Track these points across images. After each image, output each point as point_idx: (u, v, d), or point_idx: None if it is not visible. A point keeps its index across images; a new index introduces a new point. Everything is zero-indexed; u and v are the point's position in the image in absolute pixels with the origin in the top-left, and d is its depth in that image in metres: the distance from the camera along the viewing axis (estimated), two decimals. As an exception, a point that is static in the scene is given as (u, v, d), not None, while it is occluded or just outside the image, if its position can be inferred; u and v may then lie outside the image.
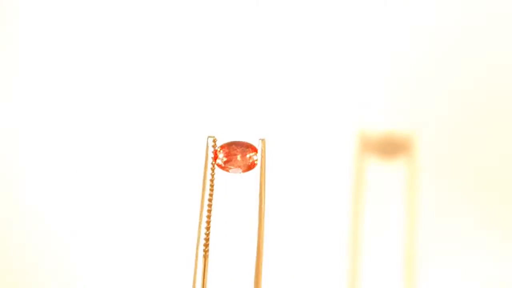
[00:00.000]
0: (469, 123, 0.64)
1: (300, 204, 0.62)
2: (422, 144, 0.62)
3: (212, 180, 0.39)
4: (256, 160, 0.40)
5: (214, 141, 0.40)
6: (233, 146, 0.40)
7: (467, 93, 0.64)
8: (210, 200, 0.39)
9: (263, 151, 0.40)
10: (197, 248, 0.39)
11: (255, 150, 0.40)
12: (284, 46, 0.65)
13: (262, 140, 0.40)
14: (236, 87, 0.64)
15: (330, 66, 0.65)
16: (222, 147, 0.40)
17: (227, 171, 0.40)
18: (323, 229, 0.61)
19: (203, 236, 0.39)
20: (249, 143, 0.40)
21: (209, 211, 0.39)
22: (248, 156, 0.40)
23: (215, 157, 0.40)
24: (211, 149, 0.40)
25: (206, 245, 0.39)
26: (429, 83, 0.64)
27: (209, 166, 0.40)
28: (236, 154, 0.40)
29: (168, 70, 0.67)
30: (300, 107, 0.64)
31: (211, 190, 0.39)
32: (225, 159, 0.40)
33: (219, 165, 0.40)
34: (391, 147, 0.63)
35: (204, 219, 0.39)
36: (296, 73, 0.65)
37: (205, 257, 0.39)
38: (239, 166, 0.40)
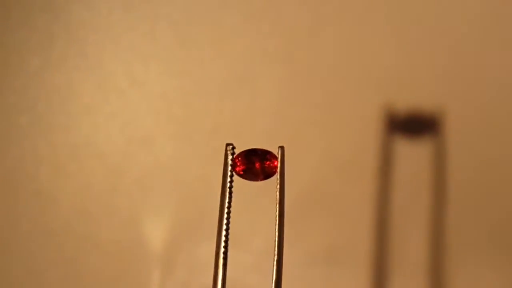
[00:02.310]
0: (497, 103, 0.63)
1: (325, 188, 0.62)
2: (450, 122, 0.62)
3: (230, 188, 0.39)
4: (276, 167, 0.40)
5: (233, 148, 0.40)
6: (252, 153, 0.40)
7: (497, 73, 0.64)
8: (228, 208, 0.39)
9: (282, 158, 0.40)
10: (217, 256, 0.39)
11: (274, 157, 0.40)
12: (302, 20, 0.64)
13: (281, 147, 0.40)
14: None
15: (354, 44, 0.64)
16: (240, 154, 0.40)
17: (246, 179, 0.40)
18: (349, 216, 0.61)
19: (222, 244, 0.39)
20: (268, 150, 0.40)
21: (228, 219, 0.39)
22: (267, 163, 0.40)
23: (234, 165, 0.40)
24: (230, 157, 0.40)
25: (225, 253, 0.39)
26: (459, 60, 0.63)
27: (228, 173, 0.39)
28: (255, 161, 0.40)
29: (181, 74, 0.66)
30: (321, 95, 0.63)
31: (230, 198, 0.39)
32: (244, 167, 0.40)
33: (238, 173, 0.40)
34: (418, 126, 0.63)
35: (223, 227, 0.39)
36: (317, 56, 0.64)
37: (224, 265, 0.39)
38: (258, 174, 0.40)
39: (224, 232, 0.38)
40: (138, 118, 0.66)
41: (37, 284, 0.64)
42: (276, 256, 0.39)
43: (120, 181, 0.65)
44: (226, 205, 0.39)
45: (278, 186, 0.40)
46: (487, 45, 0.64)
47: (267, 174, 0.40)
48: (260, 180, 0.40)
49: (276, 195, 0.40)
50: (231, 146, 0.40)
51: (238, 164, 0.40)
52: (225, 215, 0.39)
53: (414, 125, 0.63)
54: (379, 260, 0.63)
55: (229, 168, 0.40)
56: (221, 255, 0.38)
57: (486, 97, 0.63)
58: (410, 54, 0.64)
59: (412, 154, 0.63)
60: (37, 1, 0.66)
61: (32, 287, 0.64)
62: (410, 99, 0.63)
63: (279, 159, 0.40)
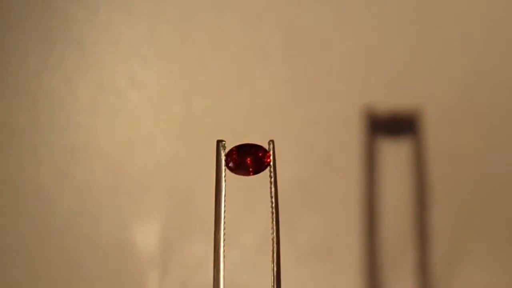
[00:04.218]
0: (475, 99, 0.63)
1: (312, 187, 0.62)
2: (428, 121, 0.63)
3: (224, 182, 0.40)
4: (267, 161, 0.40)
5: (224, 144, 0.40)
6: (243, 148, 0.40)
7: (474, 69, 0.64)
8: (223, 202, 0.40)
9: (274, 151, 0.40)
10: (216, 251, 0.39)
11: (265, 151, 0.40)
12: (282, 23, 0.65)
13: (271, 141, 0.40)
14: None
15: (333, 43, 0.65)
16: (232, 150, 0.40)
17: (239, 174, 0.40)
18: (337, 215, 0.61)
19: (222, 240, 0.39)
20: (258, 145, 0.40)
21: (224, 212, 0.40)
22: (259, 158, 0.40)
23: (226, 161, 0.40)
24: (222, 153, 0.40)
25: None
26: (436, 59, 0.64)
27: (222, 169, 0.40)
28: (246, 156, 0.40)
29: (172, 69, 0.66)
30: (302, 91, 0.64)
31: (224, 193, 0.40)
32: (236, 162, 0.40)
33: (230, 169, 0.40)
34: (397, 124, 0.63)
35: (221, 222, 0.39)
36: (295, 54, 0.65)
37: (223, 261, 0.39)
38: (251, 169, 0.40)
39: (222, 227, 0.39)
40: (138, 118, 0.66)
41: (37, 284, 0.64)
42: (275, 249, 0.39)
43: (120, 181, 0.65)
44: (223, 199, 0.39)
45: (272, 180, 0.40)
46: (465, 44, 0.64)
47: (259, 168, 0.40)
48: (252, 174, 0.40)
49: (271, 189, 0.40)
50: (223, 142, 0.40)
51: (230, 159, 0.40)
52: (222, 210, 0.39)
53: (394, 124, 0.64)
54: (368, 256, 0.63)
55: (222, 163, 0.40)
56: (221, 250, 0.39)
57: (464, 96, 0.64)
58: (391, 54, 0.65)
59: (393, 152, 0.63)
60: (36, 1, 0.66)
61: (32, 287, 0.64)
62: (390, 99, 0.64)
63: (271, 153, 0.40)
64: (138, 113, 0.66)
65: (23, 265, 0.64)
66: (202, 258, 0.63)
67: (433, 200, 0.63)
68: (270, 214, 0.40)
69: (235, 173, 0.40)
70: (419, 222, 0.63)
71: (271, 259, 0.40)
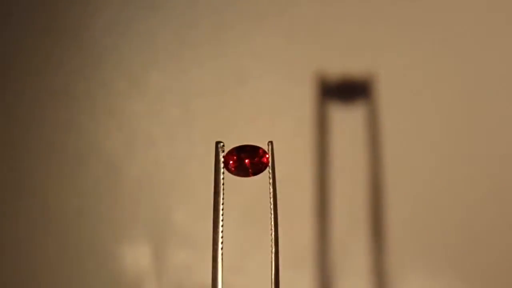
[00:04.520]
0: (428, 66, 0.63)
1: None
2: (381, 86, 0.63)
3: (222, 185, 0.40)
4: (264, 163, 0.40)
5: (223, 146, 0.40)
6: (242, 150, 0.40)
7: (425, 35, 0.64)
8: (222, 204, 0.40)
9: (273, 152, 0.40)
10: (214, 251, 0.39)
11: (264, 152, 0.40)
12: None
13: (270, 142, 0.40)
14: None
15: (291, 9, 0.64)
16: (231, 151, 0.40)
17: (238, 175, 0.40)
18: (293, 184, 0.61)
19: (220, 241, 0.39)
20: (257, 146, 0.40)
21: (222, 215, 0.40)
22: (258, 159, 0.40)
23: (225, 162, 0.40)
24: (221, 154, 0.40)
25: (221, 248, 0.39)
26: (389, 25, 0.63)
27: (220, 171, 0.40)
28: (245, 158, 0.40)
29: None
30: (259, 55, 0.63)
31: (222, 194, 0.40)
32: (235, 163, 0.40)
33: (229, 170, 0.40)
34: (350, 90, 0.63)
35: (220, 223, 0.39)
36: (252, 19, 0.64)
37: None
38: (250, 170, 0.40)
39: (220, 228, 0.39)
40: (138, 118, 0.66)
41: (37, 284, 0.64)
42: (273, 250, 0.39)
43: (120, 181, 0.65)
44: (221, 201, 0.39)
45: (271, 181, 0.40)
46: (417, 8, 0.63)
47: (257, 170, 0.40)
48: (251, 175, 0.40)
49: (269, 189, 0.40)
50: (221, 144, 0.40)
51: (229, 161, 0.40)
52: (221, 212, 0.39)
53: (346, 90, 0.63)
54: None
55: (221, 165, 0.40)
56: (219, 250, 0.39)
57: (416, 61, 0.63)
58: (343, 21, 0.64)
59: (346, 119, 0.63)
60: (36, 1, 0.66)
61: (32, 287, 0.64)
62: (342, 65, 0.63)
63: (269, 154, 0.40)
64: (138, 113, 0.66)
65: (23, 265, 0.64)
66: (206, 259, 0.63)
67: (385, 170, 0.63)
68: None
69: (235, 174, 0.40)
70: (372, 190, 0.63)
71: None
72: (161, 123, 0.66)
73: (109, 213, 0.65)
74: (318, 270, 0.62)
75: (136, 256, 0.64)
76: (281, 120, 0.64)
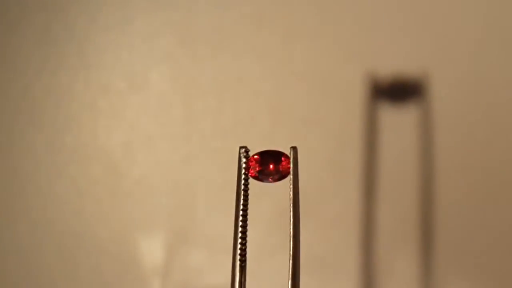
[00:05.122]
0: (482, 65, 0.63)
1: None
2: (434, 87, 0.62)
3: (246, 191, 0.39)
4: (289, 168, 0.40)
5: (246, 151, 0.40)
6: (265, 155, 0.40)
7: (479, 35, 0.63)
8: (244, 210, 0.39)
9: (295, 158, 0.40)
10: (234, 259, 0.39)
11: (287, 158, 0.40)
12: None
13: (294, 147, 0.40)
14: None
15: (338, 9, 0.64)
16: (254, 157, 0.40)
17: (261, 181, 0.40)
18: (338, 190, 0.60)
19: (238, 247, 0.39)
20: (281, 152, 0.40)
21: (244, 221, 0.39)
22: (281, 164, 0.40)
23: (248, 167, 0.40)
24: (243, 160, 0.40)
25: (243, 255, 0.39)
26: (443, 24, 0.63)
27: (242, 176, 0.39)
28: (269, 163, 0.40)
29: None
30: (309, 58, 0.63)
31: (245, 200, 0.39)
32: (258, 169, 0.40)
33: (252, 175, 0.40)
34: (402, 91, 0.62)
35: (239, 229, 0.39)
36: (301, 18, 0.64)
37: (242, 267, 0.39)
38: (272, 175, 0.40)
39: (240, 235, 0.39)
40: (138, 119, 0.65)
41: (37, 284, 0.64)
42: (291, 259, 0.39)
43: (120, 182, 0.65)
44: (242, 207, 0.39)
45: (292, 187, 0.40)
46: (470, 7, 0.63)
47: (281, 175, 0.40)
48: (274, 181, 0.40)
49: (290, 195, 0.40)
50: (244, 149, 0.40)
51: (253, 166, 0.40)
52: (241, 218, 0.39)
53: (398, 91, 0.62)
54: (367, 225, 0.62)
55: (243, 171, 0.40)
56: (238, 257, 0.38)
57: (470, 60, 0.63)
58: (393, 19, 0.64)
59: (397, 120, 0.62)
60: (36, 1, 0.65)
61: (32, 287, 0.64)
62: (394, 65, 0.63)
63: (291, 160, 0.40)
64: (138, 113, 0.66)
65: (23, 265, 0.64)
66: (206, 260, 0.63)
67: (438, 174, 0.61)
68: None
69: (258, 180, 0.40)
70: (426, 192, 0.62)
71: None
72: (161, 123, 0.65)
73: (109, 213, 0.65)
74: (363, 277, 0.62)
75: (136, 256, 0.64)
76: (320, 125, 0.63)
